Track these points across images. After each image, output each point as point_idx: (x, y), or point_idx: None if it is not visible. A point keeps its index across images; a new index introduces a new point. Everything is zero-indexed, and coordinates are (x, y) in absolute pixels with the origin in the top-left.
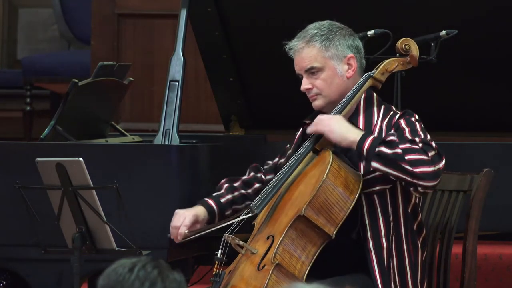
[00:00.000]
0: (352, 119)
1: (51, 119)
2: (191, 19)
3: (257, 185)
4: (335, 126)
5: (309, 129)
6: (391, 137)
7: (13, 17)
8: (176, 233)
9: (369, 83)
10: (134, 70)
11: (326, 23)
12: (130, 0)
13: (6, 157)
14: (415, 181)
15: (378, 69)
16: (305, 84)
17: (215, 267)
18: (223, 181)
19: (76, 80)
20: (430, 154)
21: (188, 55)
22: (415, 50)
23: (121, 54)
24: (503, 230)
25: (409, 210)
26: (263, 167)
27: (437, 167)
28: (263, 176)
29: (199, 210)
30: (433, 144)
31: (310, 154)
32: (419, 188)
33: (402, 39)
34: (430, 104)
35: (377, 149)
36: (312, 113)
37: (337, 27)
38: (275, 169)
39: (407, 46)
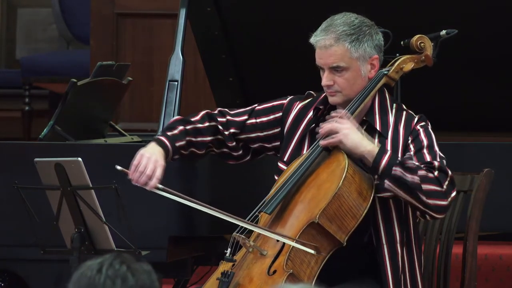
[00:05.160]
0: (368, 118)
1: (50, 119)
2: (190, 18)
3: (207, 138)
4: (351, 134)
5: (322, 131)
6: (410, 162)
7: (12, 17)
8: (145, 181)
9: (383, 81)
10: (133, 70)
11: (355, 19)
12: (129, 0)
13: (5, 157)
14: (427, 210)
15: (393, 67)
16: (326, 81)
17: (222, 266)
18: (176, 120)
19: (75, 80)
20: (444, 185)
21: (188, 55)
22: (429, 48)
23: (120, 54)
24: (503, 230)
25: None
26: (222, 116)
27: (449, 199)
28: (219, 126)
29: (163, 156)
30: (448, 170)
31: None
32: (427, 216)
33: (418, 36)
34: (430, 104)
35: (393, 171)
36: (322, 95)
37: (366, 25)
38: (243, 127)
39: (422, 44)
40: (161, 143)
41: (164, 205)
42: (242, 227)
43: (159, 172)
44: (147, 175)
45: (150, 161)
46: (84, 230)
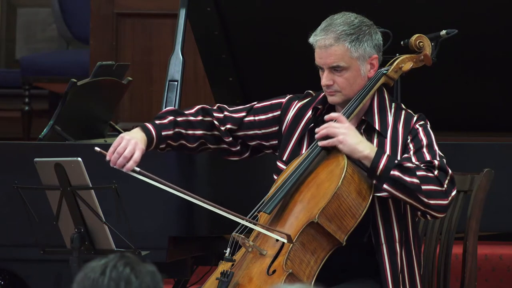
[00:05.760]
0: (367, 117)
1: (50, 119)
2: (190, 18)
3: (199, 131)
4: (348, 137)
5: (319, 135)
6: (408, 164)
7: (12, 17)
8: (123, 163)
9: (382, 80)
10: (133, 70)
11: (355, 19)
12: (129, 0)
13: (4, 157)
14: (428, 211)
15: (392, 67)
16: (326, 80)
17: (222, 266)
18: (168, 110)
19: (75, 80)
20: (445, 184)
21: (187, 55)
22: (428, 47)
23: (120, 54)
24: (503, 230)
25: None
26: (219, 112)
27: (450, 198)
28: (215, 122)
29: (144, 142)
30: (448, 169)
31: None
32: (428, 216)
33: (416, 35)
34: (430, 104)
35: (392, 173)
36: (320, 95)
37: (366, 25)
38: (241, 124)
39: (421, 43)
40: (145, 130)
41: (164, 205)
42: (242, 226)
43: (137, 155)
44: (125, 156)
45: (129, 143)
46: (84, 230)
